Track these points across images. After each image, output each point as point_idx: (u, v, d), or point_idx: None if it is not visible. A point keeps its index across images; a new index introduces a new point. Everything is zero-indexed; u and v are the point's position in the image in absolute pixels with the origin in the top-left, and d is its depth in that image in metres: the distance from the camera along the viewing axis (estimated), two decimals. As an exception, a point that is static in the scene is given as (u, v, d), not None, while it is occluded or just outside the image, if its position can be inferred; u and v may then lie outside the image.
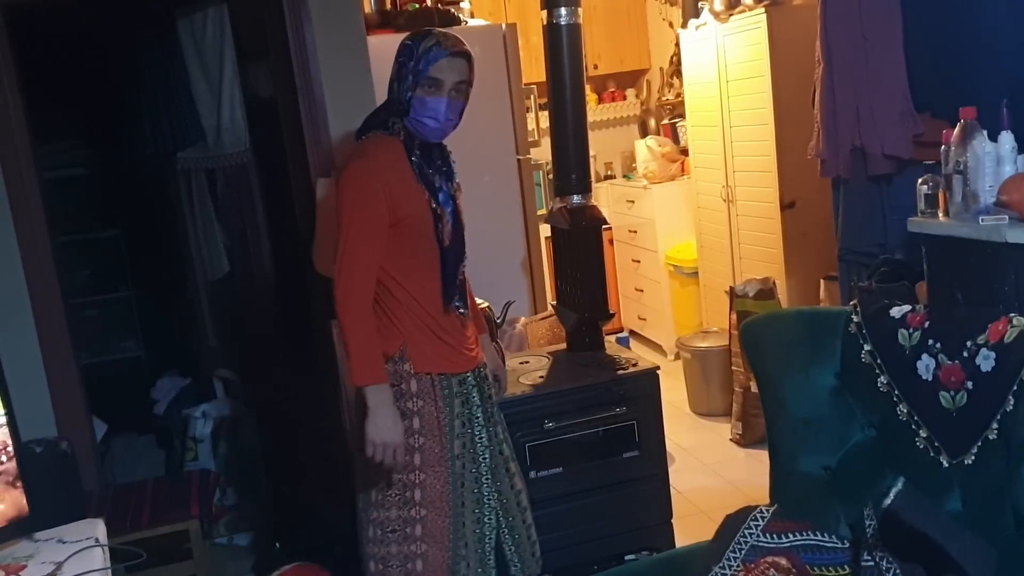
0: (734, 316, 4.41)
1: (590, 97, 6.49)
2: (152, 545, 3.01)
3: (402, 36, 3.91)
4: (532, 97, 4.89)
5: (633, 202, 6.15)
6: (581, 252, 3.22)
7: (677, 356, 5.30)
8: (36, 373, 3.33)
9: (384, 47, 3.84)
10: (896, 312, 2.12)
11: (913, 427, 2.04)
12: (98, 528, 2.17)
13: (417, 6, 4.17)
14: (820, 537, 2.06)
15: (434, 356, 2.35)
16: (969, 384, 1.94)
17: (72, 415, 3.40)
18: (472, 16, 4.47)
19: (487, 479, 2.42)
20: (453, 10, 4.18)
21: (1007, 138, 2.65)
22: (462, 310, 2.41)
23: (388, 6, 4.22)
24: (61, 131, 5.09)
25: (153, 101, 4.17)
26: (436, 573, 2.34)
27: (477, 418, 2.42)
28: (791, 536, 2.06)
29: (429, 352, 2.35)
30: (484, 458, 2.42)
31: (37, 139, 3.50)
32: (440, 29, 2.39)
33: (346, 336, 2.25)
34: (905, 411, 2.05)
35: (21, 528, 2.15)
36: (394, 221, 2.28)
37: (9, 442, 2.12)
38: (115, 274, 5.41)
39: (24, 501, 2.15)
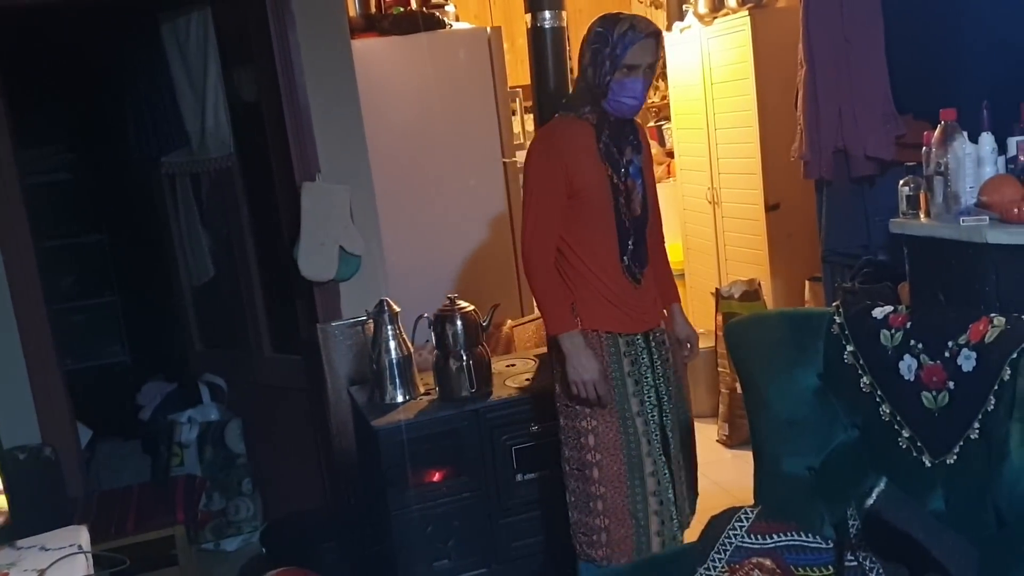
0: (720, 317, 4.43)
1: (576, 100, 6.49)
2: (138, 551, 3.00)
3: (386, 40, 3.91)
4: (518, 100, 4.89)
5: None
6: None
7: (664, 358, 5.30)
8: (19, 379, 3.32)
9: (369, 51, 3.86)
10: (878, 313, 2.13)
11: (896, 427, 2.05)
12: (81, 535, 2.16)
13: (402, 10, 4.17)
14: (804, 538, 2.07)
15: (602, 316, 2.52)
16: (951, 384, 1.95)
17: (56, 421, 3.39)
18: (457, 19, 4.47)
19: (656, 436, 2.55)
20: (438, 14, 4.18)
21: (987, 139, 2.67)
22: (638, 275, 2.54)
23: (372, 10, 4.21)
24: (45, 136, 5.07)
25: (137, 105, 4.15)
26: (616, 514, 2.51)
27: (646, 378, 2.55)
28: (775, 537, 2.07)
29: (597, 311, 2.52)
30: (653, 416, 2.55)
31: (21, 144, 3.49)
32: (628, 14, 2.52)
33: (536, 294, 2.53)
34: (888, 411, 2.06)
35: (3, 535, 2.13)
36: (571, 194, 2.47)
37: (-8, 449, 2.11)
38: (100, 279, 5.39)
39: (6, 508, 2.13)
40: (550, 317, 2.51)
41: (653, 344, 2.59)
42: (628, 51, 2.40)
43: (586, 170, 2.46)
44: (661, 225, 2.74)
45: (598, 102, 2.47)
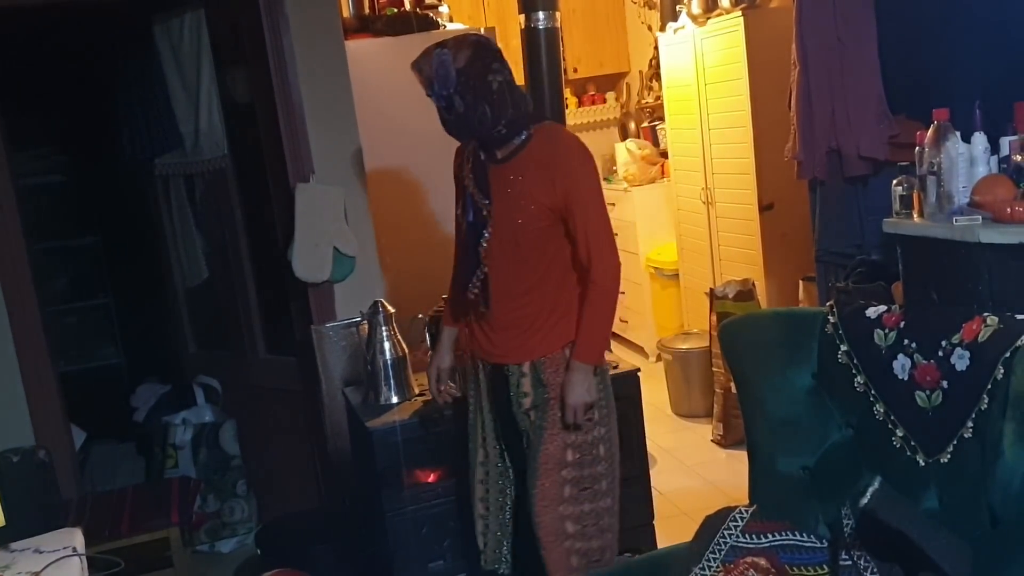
0: (714, 317, 4.43)
1: (570, 100, 6.50)
2: (132, 553, 2.99)
3: (380, 40, 3.91)
4: (512, 101, 4.88)
5: (614, 205, 6.16)
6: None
7: (658, 358, 5.31)
8: (13, 381, 3.31)
9: (362, 52, 3.86)
10: (872, 312, 2.13)
11: (890, 426, 2.05)
12: (76, 537, 2.16)
13: (396, 11, 4.16)
14: (799, 537, 2.07)
15: None
16: (944, 383, 1.96)
17: (50, 423, 3.38)
18: (451, 20, 4.47)
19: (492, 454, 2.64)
20: (432, 15, 4.18)
21: (980, 139, 2.68)
22: (479, 302, 2.49)
23: (366, 11, 4.21)
24: (38, 138, 5.06)
25: (131, 107, 4.15)
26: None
27: (481, 407, 2.63)
28: (770, 536, 2.07)
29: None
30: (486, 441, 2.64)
31: (14, 146, 3.48)
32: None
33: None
34: (882, 411, 2.07)
35: (-2, 538, 2.13)
36: None
37: (-15, 451, 2.11)
38: (93, 281, 5.38)
39: (0, 511, 2.13)
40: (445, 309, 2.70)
41: (508, 378, 2.50)
42: None
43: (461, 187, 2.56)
44: (558, 267, 2.50)
45: None
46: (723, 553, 2.05)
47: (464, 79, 2.34)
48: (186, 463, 3.98)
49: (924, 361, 1.99)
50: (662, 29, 5.52)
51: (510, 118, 2.39)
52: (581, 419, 2.43)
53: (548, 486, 2.46)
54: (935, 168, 2.70)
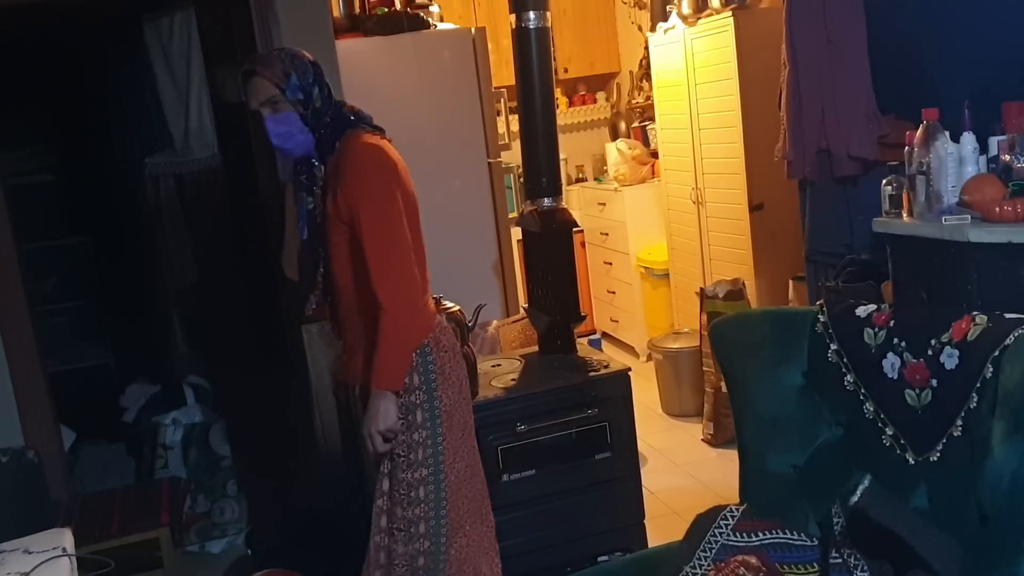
0: (704, 317, 4.44)
1: (561, 100, 6.51)
2: (122, 554, 2.98)
3: (371, 40, 3.89)
4: (502, 101, 4.90)
5: (604, 205, 6.18)
6: (552, 255, 3.23)
7: (649, 357, 5.32)
8: (2, 381, 3.29)
9: (353, 51, 3.85)
10: (862, 311, 2.14)
11: (880, 425, 2.06)
12: (65, 537, 2.14)
13: (386, 10, 4.16)
14: (789, 535, 2.08)
15: None
16: (934, 382, 1.97)
17: (39, 424, 3.37)
18: (442, 20, 4.47)
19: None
20: (422, 14, 4.18)
21: (969, 139, 2.69)
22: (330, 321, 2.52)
23: (357, 10, 4.21)
24: (27, 137, 5.04)
25: (121, 107, 4.14)
26: None
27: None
28: (761, 535, 2.07)
29: None
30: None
31: (2, 145, 3.47)
32: (263, 53, 2.41)
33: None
34: (871, 409, 2.08)
35: (-14, 539, 2.12)
36: None
37: (-26, 452, 2.09)
38: (83, 281, 5.35)
39: (-11, 511, 2.12)
40: None
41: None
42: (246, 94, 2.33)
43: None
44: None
45: None
46: (714, 552, 2.06)
47: (318, 72, 2.35)
48: (176, 463, 3.97)
49: (914, 360, 2.00)
50: (652, 29, 5.53)
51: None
52: (380, 448, 2.37)
53: (375, 509, 2.49)
54: (924, 168, 2.71)
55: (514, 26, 3.19)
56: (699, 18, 4.86)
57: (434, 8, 4.41)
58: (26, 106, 4.80)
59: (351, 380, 2.53)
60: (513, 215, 4.51)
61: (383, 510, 2.47)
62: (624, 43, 6.54)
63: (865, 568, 1.88)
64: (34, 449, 3.28)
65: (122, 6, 3.76)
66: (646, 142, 6.09)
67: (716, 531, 2.09)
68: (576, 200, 6.40)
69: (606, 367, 3.08)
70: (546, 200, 3.24)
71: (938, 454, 1.95)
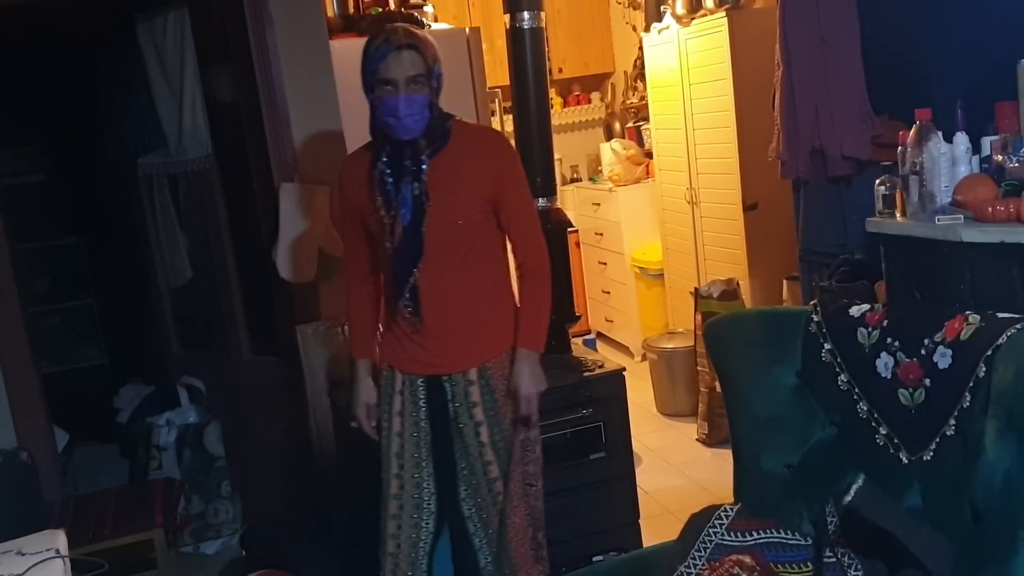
0: (699, 317, 4.44)
1: (555, 100, 6.51)
2: (116, 555, 2.98)
3: (364, 40, 3.90)
4: (497, 100, 4.89)
5: (599, 205, 6.18)
6: (547, 255, 3.23)
7: (643, 357, 5.32)
8: (-5, 383, 3.28)
9: (347, 51, 3.83)
10: (855, 311, 2.15)
11: (873, 424, 2.06)
12: (59, 539, 2.14)
13: (380, 10, 4.15)
14: (783, 535, 2.08)
15: (378, 348, 2.53)
16: (927, 381, 1.97)
17: (32, 425, 3.36)
18: (436, 20, 4.46)
19: (414, 480, 2.48)
20: (417, 14, 4.17)
21: (962, 139, 2.70)
22: (411, 313, 2.36)
23: (351, 10, 4.20)
24: (20, 137, 5.02)
25: (114, 106, 4.13)
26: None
27: (421, 424, 2.46)
28: (755, 534, 2.08)
29: (376, 344, 2.53)
30: (417, 463, 2.48)
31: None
32: (394, 25, 2.37)
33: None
34: (865, 409, 2.08)
35: (-21, 540, 2.11)
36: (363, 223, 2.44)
37: (-33, 453, 2.09)
38: (76, 282, 5.34)
39: (-17, 513, 2.12)
40: (350, 340, 2.61)
41: (449, 389, 2.42)
42: (380, 65, 2.25)
43: (361, 203, 2.39)
44: (494, 262, 2.46)
45: (377, 125, 2.36)
46: (708, 551, 2.06)
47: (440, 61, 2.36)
48: (170, 464, 3.96)
49: (907, 359, 2.01)
50: (646, 29, 5.53)
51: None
52: (535, 410, 2.41)
53: (513, 487, 2.45)
54: (917, 168, 2.72)
55: (508, 26, 3.19)
56: (693, 18, 4.87)
57: (428, 8, 4.40)
58: (19, 106, 4.79)
59: (434, 369, 2.41)
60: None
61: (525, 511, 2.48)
62: (618, 43, 6.55)
63: (859, 567, 1.88)
64: (27, 450, 3.28)
65: (115, 6, 3.75)
66: (640, 142, 6.09)
67: (711, 531, 2.09)
68: (571, 200, 6.41)
69: (601, 367, 3.08)
70: (541, 200, 3.23)
71: (931, 453, 1.96)
